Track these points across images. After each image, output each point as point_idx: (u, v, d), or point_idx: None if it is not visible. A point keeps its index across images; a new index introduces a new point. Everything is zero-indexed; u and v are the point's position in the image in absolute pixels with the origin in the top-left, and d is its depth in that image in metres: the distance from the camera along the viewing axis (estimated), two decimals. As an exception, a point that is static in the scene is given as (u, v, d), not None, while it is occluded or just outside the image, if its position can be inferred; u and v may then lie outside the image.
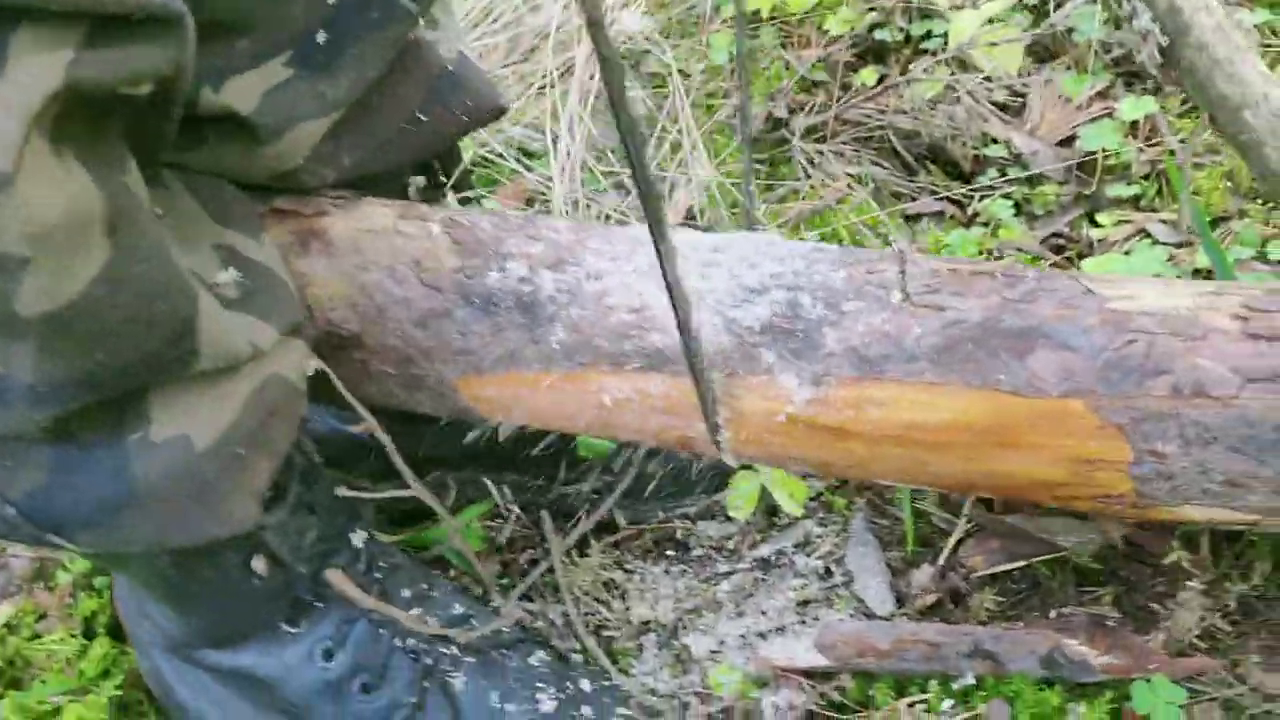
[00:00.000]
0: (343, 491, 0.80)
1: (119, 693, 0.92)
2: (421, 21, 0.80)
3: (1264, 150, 0.66)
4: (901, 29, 1.47)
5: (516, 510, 1.02)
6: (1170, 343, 0.65)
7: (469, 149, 1.33)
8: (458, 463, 1.01)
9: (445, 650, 0.83)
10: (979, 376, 0.67)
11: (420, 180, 0.83)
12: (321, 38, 0.72)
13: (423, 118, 0.80)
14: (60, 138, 0.53)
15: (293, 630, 0.81)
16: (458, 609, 0.86)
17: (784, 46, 1.47)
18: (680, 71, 1.37)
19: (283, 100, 0.71)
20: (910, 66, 1.31)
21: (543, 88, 1.38)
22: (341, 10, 0.72)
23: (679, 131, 1.31)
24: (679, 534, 1.03)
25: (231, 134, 0.72)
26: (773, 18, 1.51)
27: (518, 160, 1.31)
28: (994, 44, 1.18)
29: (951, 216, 1.26)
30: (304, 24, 0.71)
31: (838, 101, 1.26)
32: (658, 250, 0.59)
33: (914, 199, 1.25)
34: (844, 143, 1.26)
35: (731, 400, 0.71)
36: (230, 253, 0.70)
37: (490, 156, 1.33)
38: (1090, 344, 0.65)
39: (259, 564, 0.75)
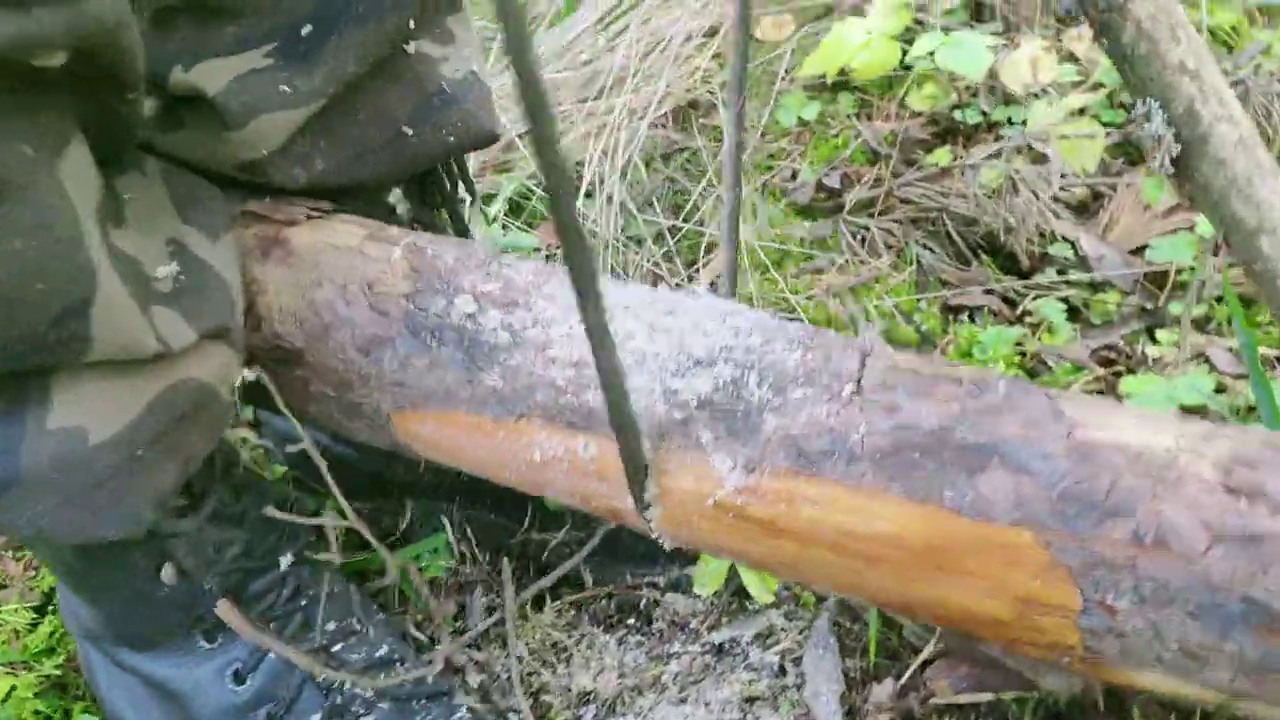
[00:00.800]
0: (271, 512, 0.78)
1: (58, 672, 0.92)
2: (427, 35, 0.78)
3: (1278, 282, 0.59)
4: (983, 112, 1.41)
5: (475, 551, 0.99)
6: (1138, 483, 0.58)
7: (515, 181, 1.32)
8: (428, 491, 0.99)
9: (360, 692, 0.80)
10: (922, 489, 0.61)
11: (397, 196, 0.81)
12: (306, 30, 0.72)
13: (408, 132, 0.78)
14: None
15: (208, 646, 0.79)
16: (383, 650, 0.83)
17: (858, 116, 1.42)
18: (749, 126, 1.34)
19: (252, 87, 0.70)
20: (974, 150, 1.25)
21: (601, 130, 1.36)
22: (328, 2, 0.71)
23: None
24: (643, 602, 0.98)
25: (203, 117, 0.72)
26: (854, 86, 1.47)
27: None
28: (1065, 136, 1.11)
29: (997, 313, 1.19)
30: (292, 16, 0.71)
31: (896, 177, 1.21)
32: (581, 306, 0.55)
33: (960, 289, 1.18)
34: (895, 220, 1.20)
35: (663, 475, 0.66)
36: (179, 248, 0.69)
37: (536, 190, 1.32)
38: (1049, 471, 0.59)
39: (167, 573, 0.73)
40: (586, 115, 1.48)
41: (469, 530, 0.99)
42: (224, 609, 0.76)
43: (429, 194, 0.85)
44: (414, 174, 0.83)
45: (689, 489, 0.66)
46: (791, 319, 0.76)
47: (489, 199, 1.31)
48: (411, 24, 0.74)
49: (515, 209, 1.31)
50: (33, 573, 1.01)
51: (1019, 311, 1.20)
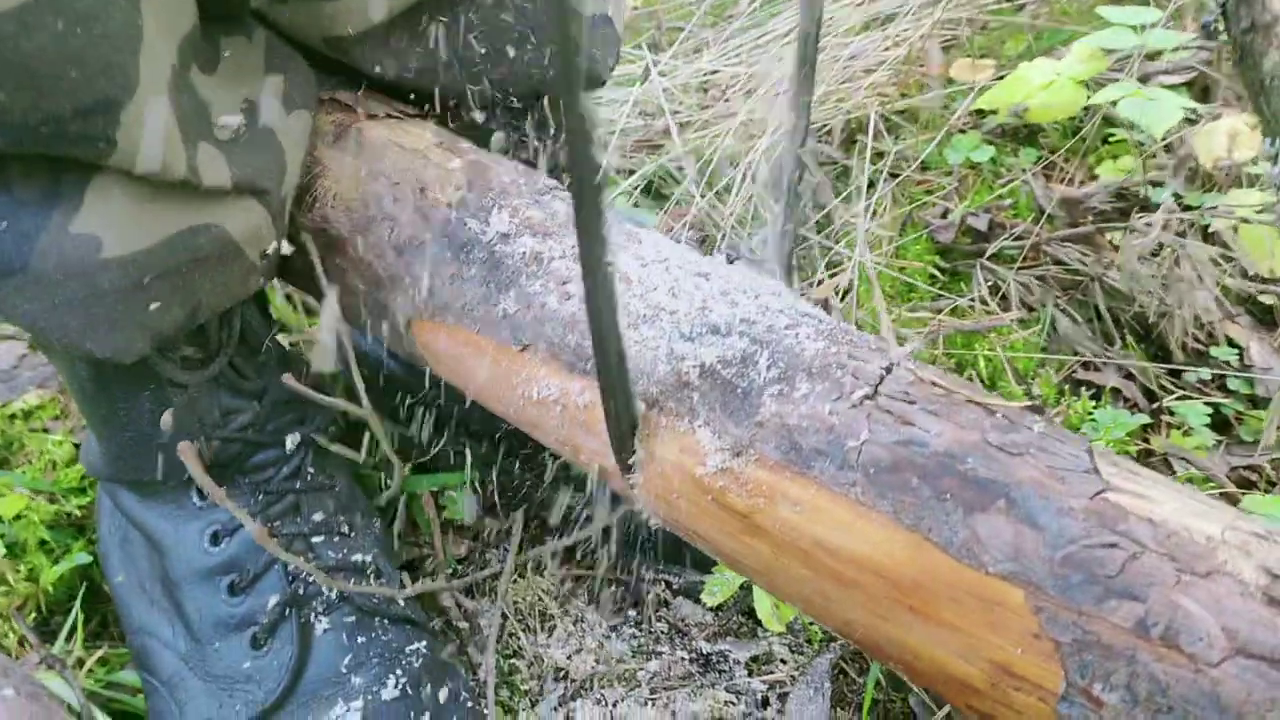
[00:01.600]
0: (288, 380, 0.77)
1: (80, 512, 0.94)
2: None
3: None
4: (1178, 195, 1.28)
5: (497, 502, 0.96)
6: (1160, 565, 0.49)
7: (656, 163, 1.30)
8: (467, 431, 0.97)
9: (326, 591, 0.79)
10: (912, 515, 0.53)
11: (499, 137, 0.80)
12: None
13: (511, 53, 0.77)
14: None
15: (199, 504, 0.80)
16: (359, 557, 0.81)
17: (1038, 166, 1.32)
18: (904, 157, 1.27)
19: None
20: (1143, 216, 1.13)
21: (760, 131, 1.32)
22: None
23: (870, 214, 1.20)
24: (650, 597, 0.92)
25: None
26: (1040, 141, 1.36)
27: (696, 184, 1.25)
28: (1248, 221, 0.98)
29: (1130, 402, 1.07)
30: None
31: (1047, 230, 1.11)
32: (581, 240, 0.51)
33: (1092, 365, 1.07)
34: (1038, 277, 1.10)
35: (650, 440, 0.61)
36: (252, 107, 0.69)
37: (673, 174, 1.29)
38: (1059, 528, 0.51)
39: (166, 420, 0.73)
40: (747, 115, 1.44)
41: (496, 480, 0.96)
42: (186, 450, 0.74)
43: (526, 125, 0.83)
44: (511, 100, 0.81)
45: (673, 461, 0.61)
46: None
47: (629, 173, 1.28)
48: None
49: (649, 189, 1.29)
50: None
51: (1156, 407, 1.08)
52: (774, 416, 0.58)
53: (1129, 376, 1.09)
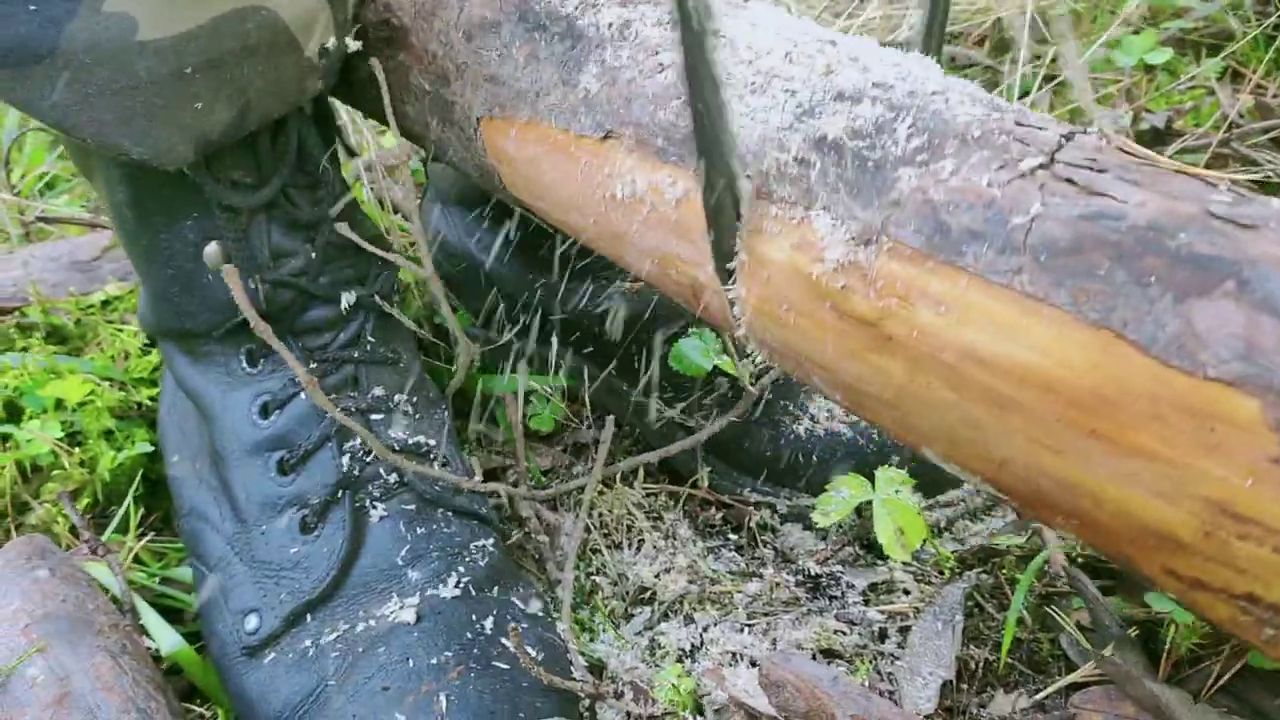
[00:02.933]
0: (340, 228, 0.68)
1: (150, 402, 0.87)
2: None
3: None
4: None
5: (587, 409, 0.85)
6: None
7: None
8: (557, 329, 0.87)
9: (385, 474, 0.69)
10: (1099, 307, 0.40)
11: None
12: None
13: None
14: None
15: (249, 370, 0.71)
16: (423, 439, 0.71)
17: (1223, 76, 1.14)
18: (1064, 58, 1.11)
19: None
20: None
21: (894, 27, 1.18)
22: None
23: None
24: (752, 521, 0.80)
25: None
26: (1226, 48, 1.19)
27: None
28: None
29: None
30: None
31: (1232, 129, 0.94)
32: None
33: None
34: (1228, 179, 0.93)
35: (755, 236, 0.49)
36: None
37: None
38: (1314, 317, 0.36)
39: (212, 252, 0.64)
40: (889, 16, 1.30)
41: (589, 385, 0.85)
42: (229, 272, 0.63)
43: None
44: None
45: (783, 261, 0.48)
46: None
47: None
48: None
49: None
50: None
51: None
52: (915, 192, 0.45)
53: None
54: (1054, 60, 1.11)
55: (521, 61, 0.57)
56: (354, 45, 0.62)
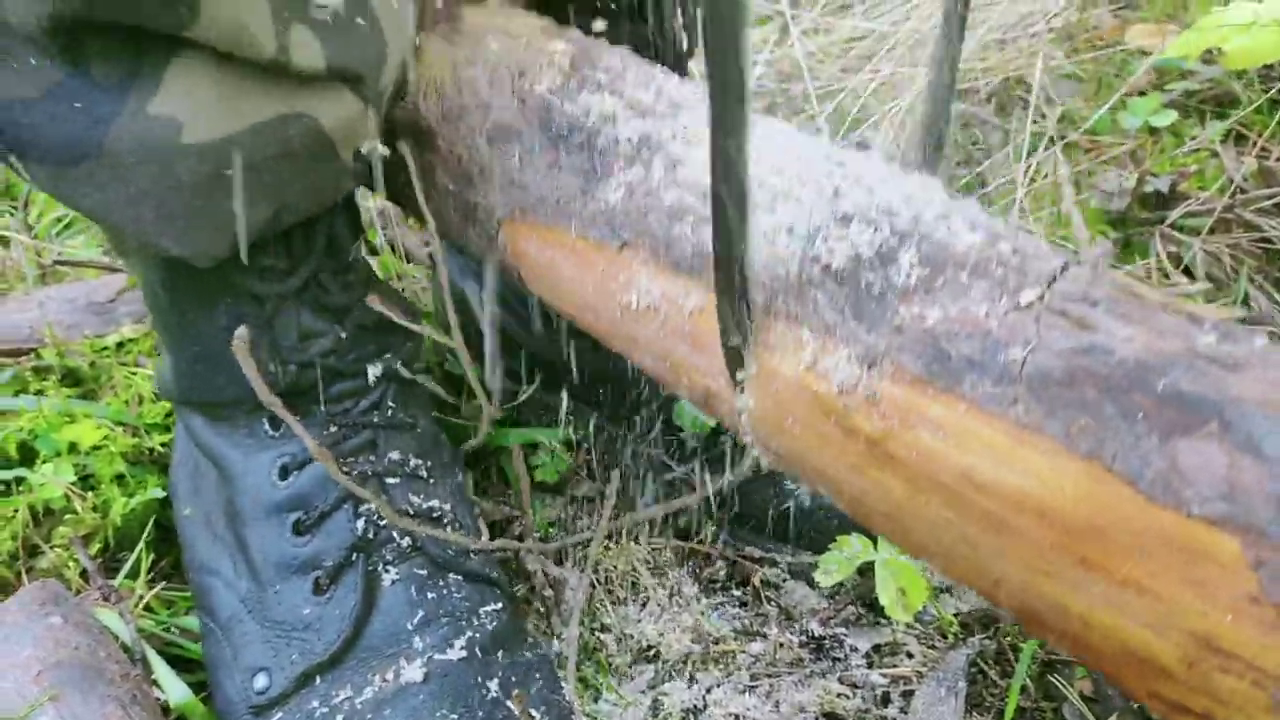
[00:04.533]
0: (372, 301, 0.70)
1: (161, 447, 0.90)
2: None
3: None
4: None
5: (593, 463, 0.87)
6: None
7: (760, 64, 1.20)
8: (569, 386, 0.89)
9: (397, 539, 0.71)
10: (1090, 440, 0.42)
11: (599, 25, 0.71)
12: None
13: None
14: None
15: (272, 434, 0.73)
16: (436, 504, 0.74)
17: (1227, 139, 1.16)
18: (1069, 119, 1.13)
19: None
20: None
21: (909, 84, 1.20)
22: None
23: (1029, 178, 1.07)
24: (758, 578, 0.82)
25: None
26: (1229, 112, 1.21)
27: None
28: None
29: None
30: None
31: (1237, 194, 0.96)
32: (713, 93, 0.42)
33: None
34: (1227, 246, 0.95)
35: (763, 351, 0.52)
36: None
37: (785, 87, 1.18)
38: (1292, 461, 0.39)
39: (240, 335, 0.67)
40: (899, 72, 1.33)
41: (592, 438, 0.87)
42: (238, 348, 0.67)
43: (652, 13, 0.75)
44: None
45: (790, 376, 0.51)
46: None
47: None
48: None
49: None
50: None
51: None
52: (915, 320, 0.47)
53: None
54: (1061, 119, 1.13)
55: (543, 169, 0.60)
56: (385, 151, 0.65)
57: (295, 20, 0.59)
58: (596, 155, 0.58)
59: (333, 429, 0.72)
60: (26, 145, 0.58)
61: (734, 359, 0.52)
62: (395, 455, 0.73)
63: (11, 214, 1.21)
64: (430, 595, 0.70)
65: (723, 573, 0.82)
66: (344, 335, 0.72)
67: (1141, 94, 1.17)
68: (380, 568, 0.70)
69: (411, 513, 0.72)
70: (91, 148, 0.58)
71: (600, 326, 0.60)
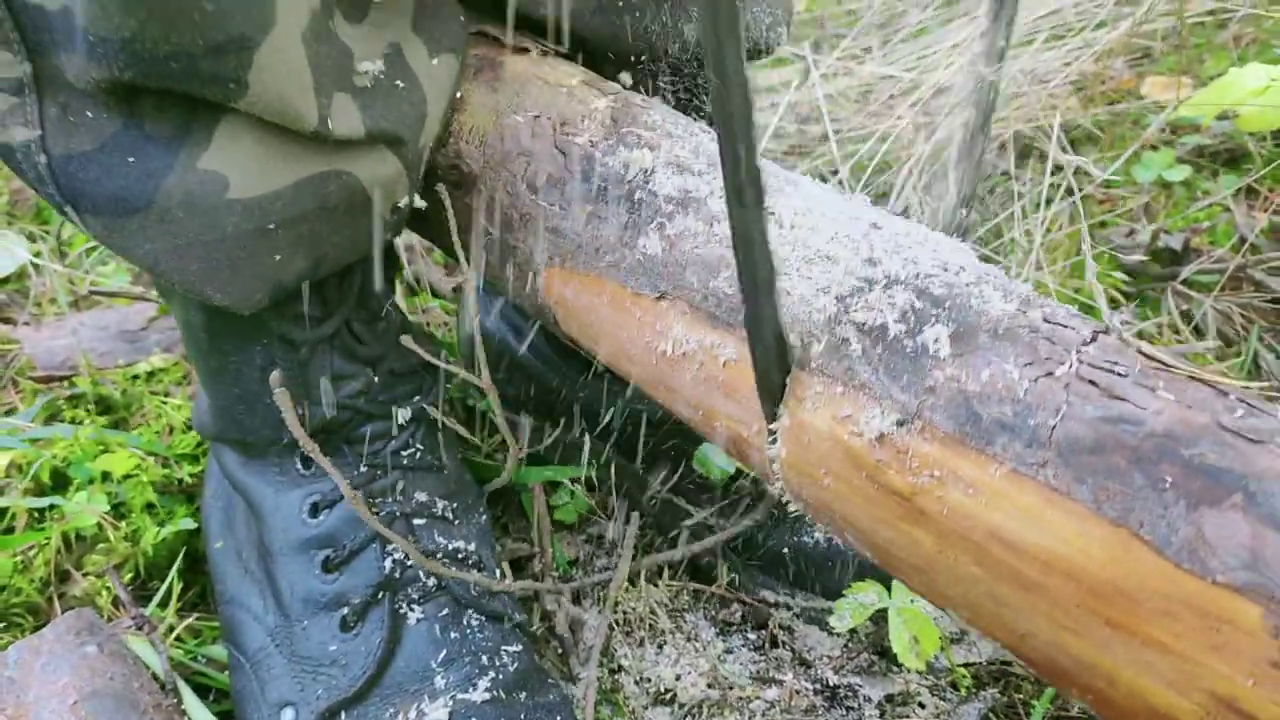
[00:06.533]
0: (405, 341, 0.72)
1: (190, 479, 0.91)
2: None
3: None
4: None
5: (613, 503, 0.89)
6: None
7: (807, 166, 1.22)
8: (586, 422, 0.91)
9: (422, 578, 0.73)
10: (1118, 506, 0.44)
11: (625, 79, 0.74)
12: None
13: (666, 10, 0.71)
14: None
15: (303, 472, 0.75)
16: (461, 545, 0.75)
17: (1239, 195, 1.19)
18: (1083, 172, 1.16)
19: None
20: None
21: (927, 132, 1.23)
22: None
23: (1045, 229, 1.09)
24: (773, 623, 0.83)
25: None
26: (1242, 163, 1.23)
27: (849, 188, 1.17)
28: None
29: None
30: None
31: (1249, 252, 0.98)
32: (726, 163, 0.44)
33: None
34: (1240, 304, 0.97)
35: (797, 404, 0.53)
36: (396, 52, 0.65)
37: (825, 179, 1.21)
38: (1314, 534, 0.40)
39: (275, 379, 0.69)
40: (919, 119, 1.35)
41: (613, 478, 0.89)
42: (280, 397, 0.68)
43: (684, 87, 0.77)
44: (667, 56, 0.75)
45: (823, 429, 0.52)
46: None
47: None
48: None
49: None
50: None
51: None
52: (949, 381, 0.49)
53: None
54: (1076, 172, 1.15)
55: (583, 219, 0.62)
56: (423, 205, 0.67)
57: (337, 89, 0.61)
58: (636, 208, 0.60)
59: (362, 469, 0.74)
60: (82, 197, 0.60)
61: (768, 409, 0.54)
62: (422, 496, 0.75)
63: (44, 238, 1.23)
64: (453, 634, 0.71)
65: (739, 615, 0.83)
66: (375, 379, 0.74)
67: (1154, 148, 1.20)
68: (405, 606, 0.72)
69: (437, 553, 0.73)
70: (143, 201, 0.60)
71: (635, 371, 0.62)
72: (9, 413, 0.94)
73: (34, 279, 1.15)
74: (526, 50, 0.71)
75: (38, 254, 1.18)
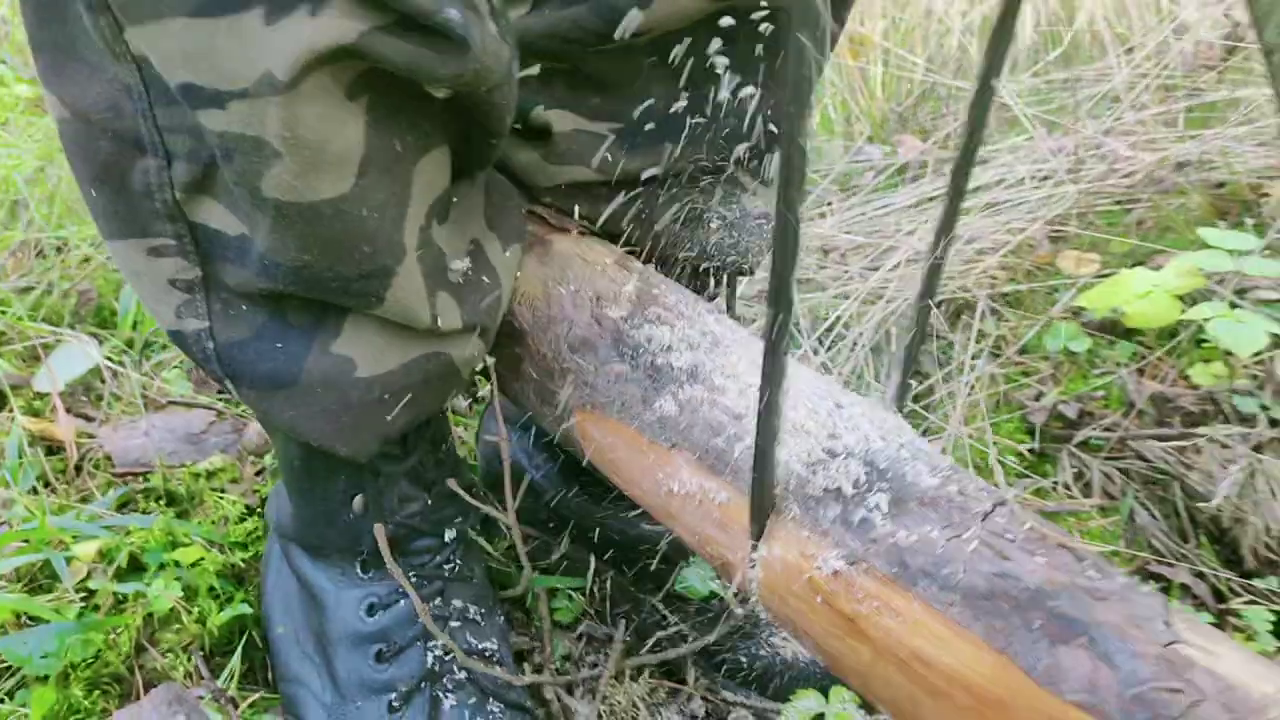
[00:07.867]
0: (450, 484, 0.88)
1: (243, 564, 1.05)
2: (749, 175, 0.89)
3: None
4: (1264, 406, 1.35)
5: (605, 608, 1.04)
6: (1217, 715, 0.56)
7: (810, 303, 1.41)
8: (587, 541, 1.07)
9: (455, 671, 0.88)
10: (1002, 639, 0.61)
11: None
12: (649, 127, 0.84)
13: (706, 234, 0.90)
14: (357, 91, 0.64)
15: (362, 576, 0.90)
16: (486, 644, 0.91)
17: (1132, 362, 1.40)
18: (1006, 339, 1.37)
19: (584, 142, 0.83)
20: (1226, 428, 1.20)
21: (875, 300, 1.43)
22: (675, 118, 0.83)
23: (971, 387, 1.29)
24: (731, 718, 0.99)
25: (537, 144, 0.86)
26: (1137, 338, 1.45)
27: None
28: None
29: (1197, 599, 1.12)
30: (644, 107, 0.82)
31: (1135, 425, 1.19)
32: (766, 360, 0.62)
33: (1166, 560, 1.13)
34: (1122, 469, 1.17)
35: (773, 540, 0.70)
36: (478, 248, 0.81)
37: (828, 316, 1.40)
38: (1132, 669, 0.58)
39: (358, 503, 0.84)
40: (866, 283, 1.56)
41: (606, 587, 1.05)
42: (379, 531, 0.85)
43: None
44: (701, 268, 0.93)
45: (791, 562, 0.69)
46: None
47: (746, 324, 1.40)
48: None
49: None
50: (260, 480, 1.17)
51: (1223, 608, 1.13)
52: (887, 535, 0.66)
53: (1199, 575, 1.14)
54: (996, 340, 1.36)
55: (612, 379, 0.79)
56: (490, 361, 0.84)
57: (439, 289, 0.77)
58: (655, 375, 0.77)
59: (411, 577, 0.89)
60: (241, 376, 0.76)
61: (753, 541, 0.71)
62: (458, 603, 0.91)
63: (108, 339, 1.36)
64: (479, 718, 0.86)
65: (704, 711, 0.99)
66: (430, 501, 0.90)
67: (1064, 319, 1.41)
68: (442, 694, 0.87)
69: (469, 652, 0.89)
70: (289, 379, 0.75)
71: (647, 500, 0.79)
72: (84, 499, 1.07)
73: (109, 380, 1.28)
74: (568, 230, 0.88)
75: (108, 357, 1.32)
